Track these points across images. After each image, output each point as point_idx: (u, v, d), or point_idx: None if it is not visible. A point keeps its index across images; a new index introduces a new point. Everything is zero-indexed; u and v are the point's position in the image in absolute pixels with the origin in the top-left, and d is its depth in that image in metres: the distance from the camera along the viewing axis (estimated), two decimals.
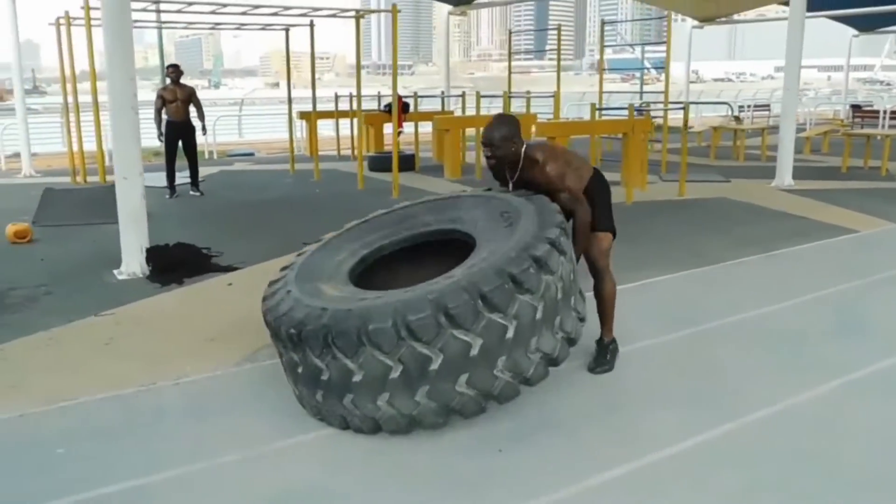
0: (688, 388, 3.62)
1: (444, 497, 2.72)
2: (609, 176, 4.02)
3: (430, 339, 2.83)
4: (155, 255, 5.65)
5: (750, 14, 17.40)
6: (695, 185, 9.53)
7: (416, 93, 12.71)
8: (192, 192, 9.55)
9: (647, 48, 21.73)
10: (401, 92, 11.11)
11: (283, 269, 3.54)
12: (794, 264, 6.04)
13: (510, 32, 14.71)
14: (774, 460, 2.94)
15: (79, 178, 10.61)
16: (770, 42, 15.81)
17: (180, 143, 9.39)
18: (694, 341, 4.25)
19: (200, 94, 9.80)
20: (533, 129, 9.71)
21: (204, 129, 9.64)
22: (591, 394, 3.58)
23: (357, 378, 2.91)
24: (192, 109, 9.37)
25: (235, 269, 5.79)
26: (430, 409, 2.94)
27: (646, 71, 22.41)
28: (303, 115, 13.66)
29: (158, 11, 10.68)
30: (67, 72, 10.48)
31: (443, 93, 15.74)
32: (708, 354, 4.04)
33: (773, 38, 17.44)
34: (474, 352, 2.88)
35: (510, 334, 2.93)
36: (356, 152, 14.15)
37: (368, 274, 3.58)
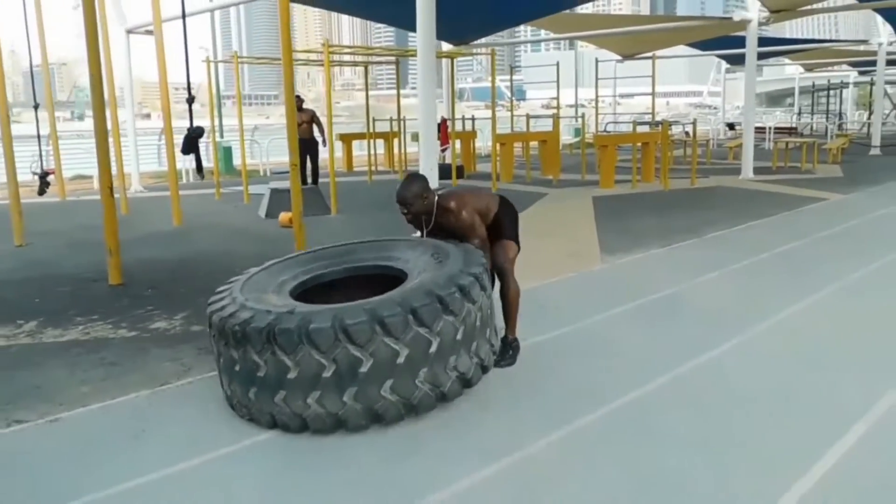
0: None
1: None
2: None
3: (364, 342, 3.12)
4: None
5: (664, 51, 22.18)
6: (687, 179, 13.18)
7: (443, 117, 15.58)
8: None
9: (499, 78, 24.21)
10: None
11: (228, 282, 3.86)
12: (809, 217, 9.57)
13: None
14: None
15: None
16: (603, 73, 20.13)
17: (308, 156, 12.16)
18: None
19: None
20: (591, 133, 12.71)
21: (324, 142, 12.26)
22: None
23: (292, 375, 3.16)
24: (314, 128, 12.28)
25: None
26: (356, 410, 3.19)
27: (506, 99, 25.37)
28: (342, 136, 16.43)
29: None
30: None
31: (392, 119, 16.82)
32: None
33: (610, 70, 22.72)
34: (401, 360, 3.18)
35: (433, 349, 3.26)
36: (395, 167, 16.71)
37: (307, 296, 3.86)
